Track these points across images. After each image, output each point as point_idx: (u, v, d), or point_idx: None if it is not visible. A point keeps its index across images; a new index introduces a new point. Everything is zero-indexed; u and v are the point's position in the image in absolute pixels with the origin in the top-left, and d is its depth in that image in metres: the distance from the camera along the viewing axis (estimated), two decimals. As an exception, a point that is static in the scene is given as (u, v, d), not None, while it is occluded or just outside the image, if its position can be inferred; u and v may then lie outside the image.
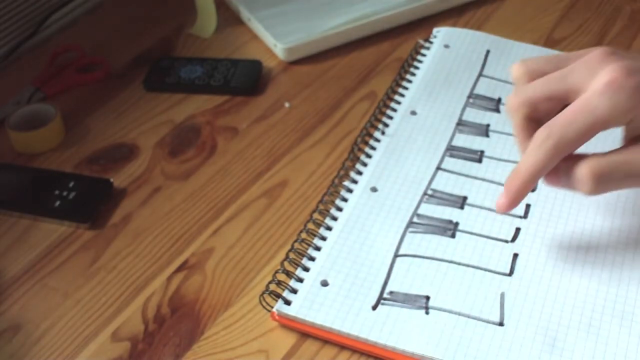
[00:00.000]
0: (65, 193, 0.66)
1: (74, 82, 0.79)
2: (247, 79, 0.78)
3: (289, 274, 0.59)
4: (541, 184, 0.60)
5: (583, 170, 0.54)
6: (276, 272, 0.59)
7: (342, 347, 0.56)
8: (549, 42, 0.81)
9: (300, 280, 0.58)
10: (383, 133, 0.70)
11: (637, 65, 0.54)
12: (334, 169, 0.68)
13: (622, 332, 0.54)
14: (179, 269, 0.62)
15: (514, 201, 0.57)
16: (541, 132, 0.55)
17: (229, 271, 0.61)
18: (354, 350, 0.55)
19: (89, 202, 0.66)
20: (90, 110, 0.76)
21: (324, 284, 0.58)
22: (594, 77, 0.54)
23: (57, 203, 0.66)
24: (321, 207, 0.64)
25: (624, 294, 0.57)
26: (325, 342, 0.56)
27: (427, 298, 0.57)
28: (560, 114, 0.54)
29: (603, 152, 0.55)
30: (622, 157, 0.54)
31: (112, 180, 0.68)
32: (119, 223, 0.65)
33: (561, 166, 0.55)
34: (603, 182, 0.54)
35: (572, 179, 0.55)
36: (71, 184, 0.67)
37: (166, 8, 0.89)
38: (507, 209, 0.57)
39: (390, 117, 0.72)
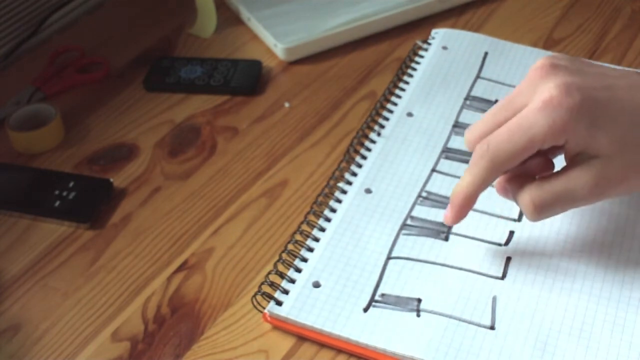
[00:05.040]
0: (65, 193, 0.67)
1: (74, 82, 0.79)
2: (247, 79, 0.78)
3: (282, 275, 0.59)
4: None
5: (525, 199, 0.55)
6: (269, 273, 0.59)
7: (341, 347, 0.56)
8: (549, 42, 0.81)
9: (292, 281, 0.58)
10: (379, 134, 0.70)
11: (576, 80, 0.53)
12: (333, 169, 0.68)
13: (614, 338, 0.54)
14: (179, 269, 0.62)
15: (459, 215, 0.58)
16: (479, 148, 0.55)
17: (229, 271, 0.61)
18: (351, 354, 0.55)
19: (89, 202, 0.66)
20: (90, 110, 0.76)
21: (316, 285, 0.58)
22: (535, 94, 0.54)
23: (57, 203, 0.66)
24: (315, 208, 0.64)
25: (616, 299, 0.56)
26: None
27: (419, 301, 0.57)
28: (498, 130, 0.55)
29: (545, 177, 0.55)
30: (561, 185, 0.54)
31: (112, 180, 0.68)
32: (119, 223, 0.65)
33: (508, 186, 0.57)
34: (544, 211, 0.55)
35: (517, 202, 0.56)
36: (71, 184, 0.67)
37: (166, 8, 0.89)
38: (453, 222, 0.58)
39: (387, 119, 0.72)
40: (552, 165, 0.58)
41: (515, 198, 0.57)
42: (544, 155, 0.57)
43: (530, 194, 0.55)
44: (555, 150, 0.56)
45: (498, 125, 0.55)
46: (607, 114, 0.53)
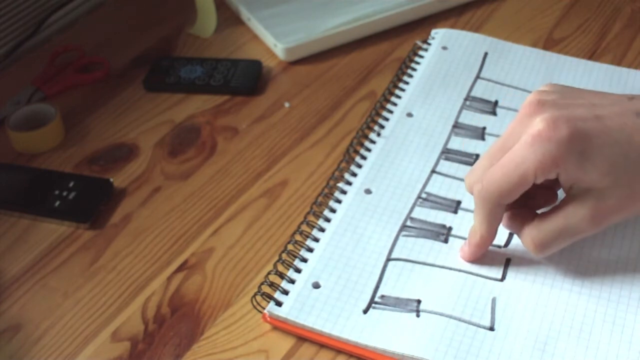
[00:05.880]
0: (65, 193, 0.67)
1: (74, 82, 0.79)
2: (247, 79, 0.78)
3: (282, 276, 0.59)
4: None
5: (525, 239, 0.56)
6: (268, 273, 0.59)
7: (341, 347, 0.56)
8: (549, 42, 0.81)
9: (292, 281, 0.58)
10: (378, 135, 0.70)
11: (564, 113, 0.53)
12: (334, 169, 0.68)
13: (613, 338, 0.54)
14: (179, 269, 0.62)
15: (475, 254, 0.59)
16: (475, 188, 0.56)
17: (229, 271, 0.61)
18: (351, 354, 0.55)
19: (89, 202, 0.66)
20: (90, 110, 0.76)
21: (316, 285, 0.58)
22: (525, 130, 0.54)
23: (57, 203, 0.66)
24: (315, 208, 0.64)
25: (616, 299, 0.56)
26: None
27: (419, 302, 0.57)
28: (491, 168, 0.55)
29: (544, 215, 0.55)
30: (559, 223, 0.54)
31: (112, 180, 0.68)
32: (119, 223, 0.65)
33: (511, 224, 0.57)
34: (546, 249, 0.56)
35: (521, 240, 0.57)
36: (71, 184, 0.67)
37: (166, 8, 0.89)
38: (468, 259, 0.59)
39: (386, 119, 0.72)
40: (555, 197, 0.58)
41: (518, 236, 0.57)
42: (546, 188, 0.57)
43: (530, 234, 0.55)
44: (556, 182, 0.55)
45: None
46: (596, 146, 0.53)
